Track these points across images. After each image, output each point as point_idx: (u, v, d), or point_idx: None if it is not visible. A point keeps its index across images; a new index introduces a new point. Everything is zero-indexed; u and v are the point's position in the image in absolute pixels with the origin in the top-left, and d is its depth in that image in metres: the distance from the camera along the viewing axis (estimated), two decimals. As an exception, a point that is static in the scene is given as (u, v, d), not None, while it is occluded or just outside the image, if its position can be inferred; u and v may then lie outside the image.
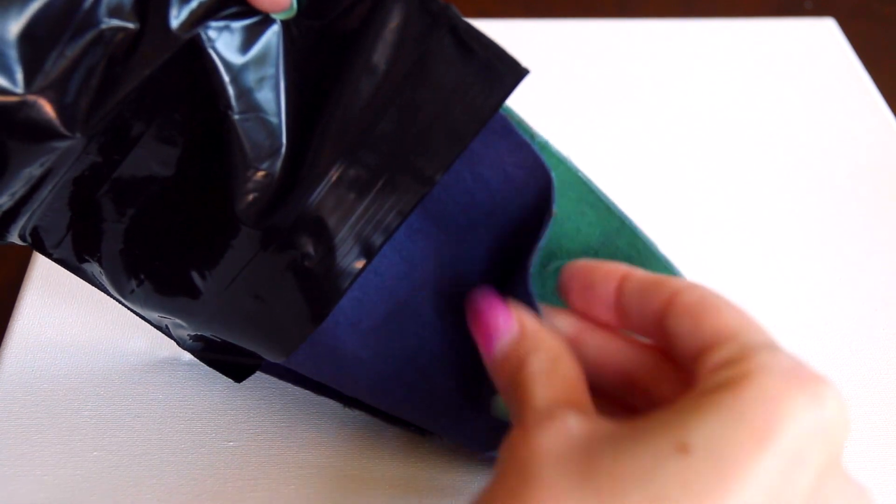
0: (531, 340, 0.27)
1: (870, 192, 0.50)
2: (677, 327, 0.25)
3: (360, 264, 0.29)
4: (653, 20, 0.63)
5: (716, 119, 0.54)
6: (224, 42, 0.29)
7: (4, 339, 0.40)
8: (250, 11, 0.29)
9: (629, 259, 0.31)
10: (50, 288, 0.43)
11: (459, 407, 0.33)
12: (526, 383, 0.26)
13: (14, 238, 0.32)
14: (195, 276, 0.31)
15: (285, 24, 0.29)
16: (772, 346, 0.23)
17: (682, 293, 0.25)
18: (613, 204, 0.31)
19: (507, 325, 0.27)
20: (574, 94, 0.56)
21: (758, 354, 0.22)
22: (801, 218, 0.48)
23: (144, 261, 0.32)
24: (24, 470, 0.35)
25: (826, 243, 0.47)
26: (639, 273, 0.27)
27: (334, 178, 0.29)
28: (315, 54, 0.29)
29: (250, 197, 0.30)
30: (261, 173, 0.29)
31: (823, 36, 0.61)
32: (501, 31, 0.38)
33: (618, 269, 0.27)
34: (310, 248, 0.29)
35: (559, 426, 0.23)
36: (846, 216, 0.48)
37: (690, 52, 0.60)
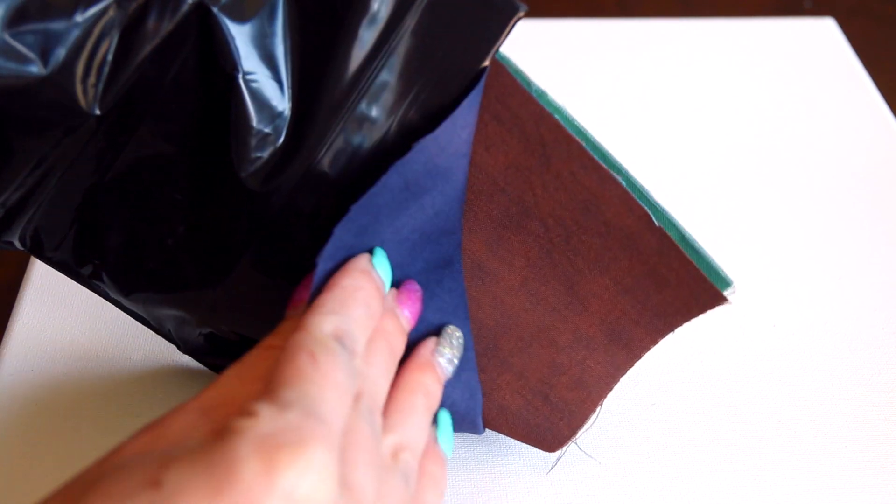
0: None
1: (869, 191, 0.50)
2: None
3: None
4: (652, 20, 0.63)
5: (715, 118, 0.54)
6: (230, 4, 0.29)
7: (3, 341, 0.40)
8: None
9: None
10: (49, 290, 0.43)
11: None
12: None
13: (14, 239, 0.32)
14: (202, 260, 0.32)
15: None
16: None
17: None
18: (608, 152, 0.31)
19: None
20: (573, 94, 0.56)
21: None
22: (801, 217, 0.48)
23: (149, 252, 0.32)
24: (24, 470, 0.35)
25: (825, 243, 0.47)
26: None
27: (337, 135, 0.30)
28: (315, 13, 0.30)
29: (256, 161, 0.30)
30: (266, 136, 0.30)
31: (823, 35, 0.61)
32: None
33: None
34: (315, 208, 0.30)
35: None
36: (845, 215, 0.48)
37: (690, 51, 0.60)
